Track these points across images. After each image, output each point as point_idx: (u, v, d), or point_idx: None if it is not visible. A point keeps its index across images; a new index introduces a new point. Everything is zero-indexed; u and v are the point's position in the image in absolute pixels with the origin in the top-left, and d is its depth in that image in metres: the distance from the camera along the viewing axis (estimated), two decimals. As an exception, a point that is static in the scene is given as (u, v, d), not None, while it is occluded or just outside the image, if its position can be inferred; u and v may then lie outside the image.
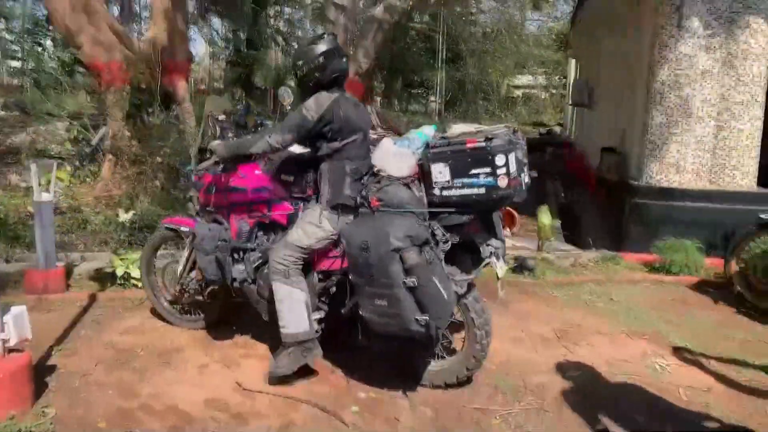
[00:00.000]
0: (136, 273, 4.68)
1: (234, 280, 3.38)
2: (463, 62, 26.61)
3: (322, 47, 3.04)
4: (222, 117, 3.42)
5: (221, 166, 3.30)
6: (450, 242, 2.86)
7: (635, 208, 6.48)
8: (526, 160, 2.83)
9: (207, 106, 3.51)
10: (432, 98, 28.85)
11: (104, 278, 4.85)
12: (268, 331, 3.78)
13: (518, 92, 30.28)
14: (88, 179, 7.19)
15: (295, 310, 3.05)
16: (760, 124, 6.23)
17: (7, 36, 16.65)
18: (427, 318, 2.65)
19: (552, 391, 3.20)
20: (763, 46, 6.08)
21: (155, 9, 7.57)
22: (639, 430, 2.80)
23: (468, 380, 3.19)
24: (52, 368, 3.33)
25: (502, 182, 2.69)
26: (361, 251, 2.66)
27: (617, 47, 9.21)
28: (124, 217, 5.70)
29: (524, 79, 30.05)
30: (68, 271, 4.80)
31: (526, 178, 2.84)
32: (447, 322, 2.84)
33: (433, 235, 2.78)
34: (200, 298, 3.76)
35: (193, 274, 3.69)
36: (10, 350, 2.89)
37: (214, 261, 3.25)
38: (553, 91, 29.86)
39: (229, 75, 21.16)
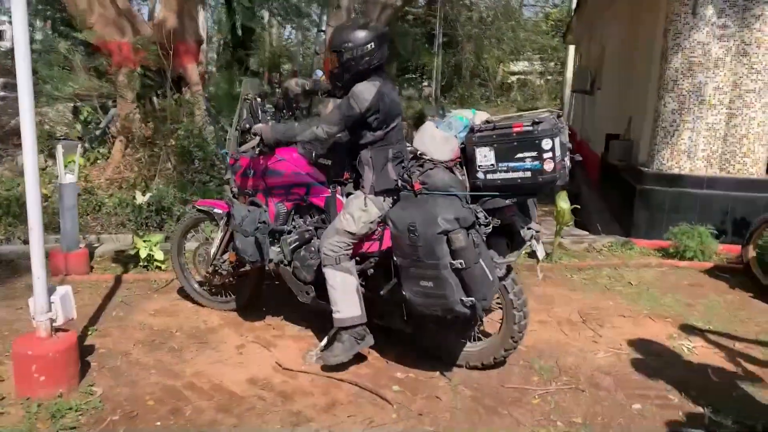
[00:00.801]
0: (159, 255, 4.72)
1: (270, 261, 3.41)
2: (459, 47, 26.56)
3: (372, 32, 3.04)
4: (258, 99, 3.42)
5: (259, 149, 3.32)
6: (491, 225, 2.91)
7: (645, 195, 6.55)
8: (569, 145, 2.87)
9: (243, 88, 3.51)
10: (426, 83, 28.80)
11: (126, 260, 4.87)
12: (299, 312, 3.85)
13: (514, 78, 30.26)
14: (98, 161, 7.16)
15: (349, 295, 3.10)
16: (772, 111, 6.30)
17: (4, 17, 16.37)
18: (473, 299, 2.70)
19: (585, 372, 3.27)
20: (776, 34, 6.13)
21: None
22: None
23: (503, 361, 3.25)
24: (91, 348, 3.36)
25: (548, 166, 2.73)
26: (409, 233, 2.70)
27: (626, 34, 9.23)
28: (142, 199, 5.71)
29: (520, 65, 30.02)
30: (90, 253, 4.82)
31: (568, 163, 2.89)
32: (491, 303, 2.90)
33: (476, 218, 2.82)
34: (232, 279, 3.81)
35: (226, 255, 3.72)
36: (57, 329, 2.92)
37: (254, 242, 3.28)
38: (549, 78, 29.84)
39: (224, 58, 21.00)
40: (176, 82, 7.30)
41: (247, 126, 3.44)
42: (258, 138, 3.21)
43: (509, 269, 3.08)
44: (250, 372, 3.16)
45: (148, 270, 4.73)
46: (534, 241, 3.00)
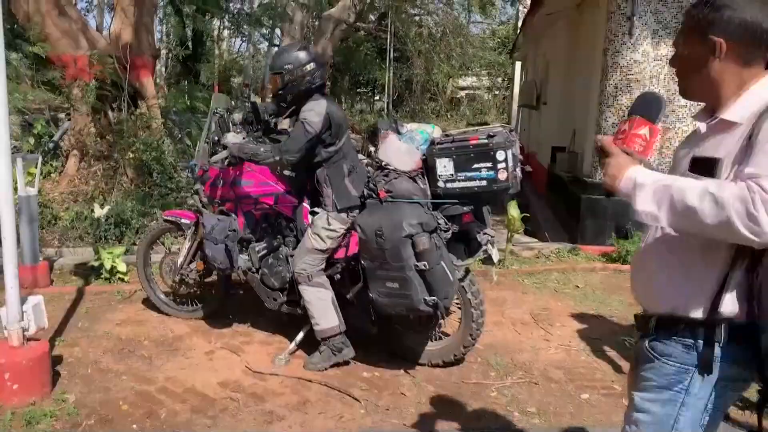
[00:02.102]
0: (122, 267, 4.75)
1: (239, 268, 3.54)
2: (409, 63, 27.07)
3: (311, 54, 3.25)
4: (226, 114, 3.56)
5: (227, 160, 3.45)
6: (451, 230, 3.12)
7: (589, 204, 6.93)
8: (520, 156, 3.12)
9: (213, 103, 3.65)
10: (378, 98, 29.21)
11: (87, 273, 4.88)
12: (266, 319, 3.97)
13: (463, 93, 31.00)
14: (51, 174, 7.08)
15: (325, 308, 3.27)
16: (701, 125, 6.78)
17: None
18: (435, 298, 2.90)
19: (538, 367, 3.51)
20: (704, 54, 6.63)
21: (119, 2, 7.52)
22: None
23: (462, 358, 3.46)
24: (59, 358, 3.40)
25: (502, 175, 2.97)
26: (376, 237, 2.89)
27: (569, 51, 9.74)
28: (100, 212, 5.71)
29: (468, 81, 30.77)
30: (49, 266, 4.81)
31: (519, 173, 3.14)
32: (451, 302, 3.11)
33: (437, 223, 3.03)
34: (199, 288, 3.91)
35: (194, 265, 3.82)
36: (29, 339, 2.96)
37: (224, 250, 3.40)
38: (497, 93, 30.68)
39: (173, 71, 20.83)
40: (132, 95, 7.30)
41: (216, 138, 3.57)
42: (228, 150, 3.35)
43: (467, 271, 3.31)
44: (221, 376, 3.27)
45: (110, 282, 4.75)
46: (489, 246, 3.23)
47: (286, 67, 3.22)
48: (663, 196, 1.28)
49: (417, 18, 26.55)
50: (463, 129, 3.17)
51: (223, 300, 4.01)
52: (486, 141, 2.96)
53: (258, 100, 3.82)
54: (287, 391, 3.14)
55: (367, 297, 3.11)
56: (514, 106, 21.54)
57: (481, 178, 3.00)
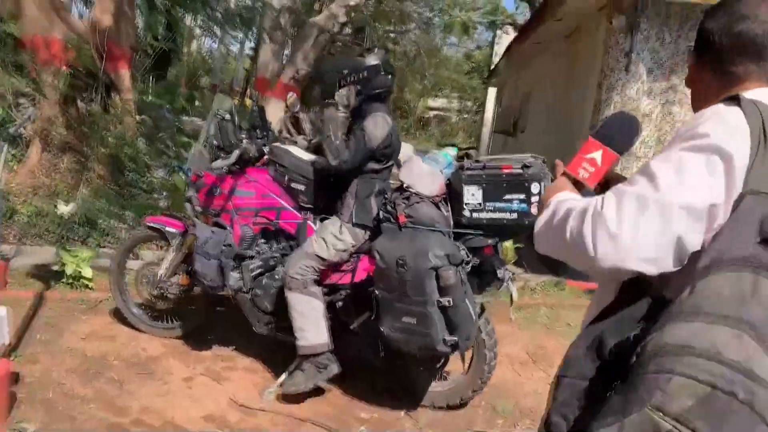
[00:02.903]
0: (88, 272, 4.33)
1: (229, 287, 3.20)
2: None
3: (369, 60, 3.01)
4: (228, 116, 3.24)
5: (227, 167, 3.13)
6: (471, 263, 2.88)
7: (574, 237, 6.81)
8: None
9: (214, 104, 3.32)
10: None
11: (47, 276, 4.43)
12: (250, 342, 3.63)
13: (432, 113, 31.13)
14: (10, 163, 6.53)
15: (315, 321, 2.95)
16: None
17: None
18: (456, 339, 2.65)
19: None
20: (697, 97, 6.64)
21: (101, -12, 7.07)
22: None
23: (467, 403, 3.20)
24: (15, 376, 2.98)
25: (534, 210, 2.74)
26: (398, 267, 2.62)
27: (555, 82, 9.72)
28: (64, 209, 5.25)
29: (439, 102, 30.95)
30: (5, 266, 4.34)
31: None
32: (472, 344, 2.85)
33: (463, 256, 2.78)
34: (179, 304, 3.55)
35: (176, 278, 3.46)
36: (-14, 356, 2.56)
37: (217, 266, 3.06)
38: (465, 116, 30.89)
39: (140, 64, 20.12)
40: (106, 87, 6.84)
41: (215, 143, 3.25)
42: (237, 153, 3.04)
43: (482, 309, 3.06)
44: (203, 408, 2.92)
45: (73, 288, 4.31)
46: (510, 283, 2.99)
47: (343, 72, 3.02)
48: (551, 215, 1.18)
49: (392, 35, 26.58)
50: (494, 156, 2.94)
51: (204, 318, 3.64)
52: (521, 171, 2.73)
53: (293, 96, 3.55)
54: (278, 431, 2.81)
55: (376, 330, 2.82)
56: (485, 131, 21.67)
57: (512, 211, 2.76)
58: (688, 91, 4.97)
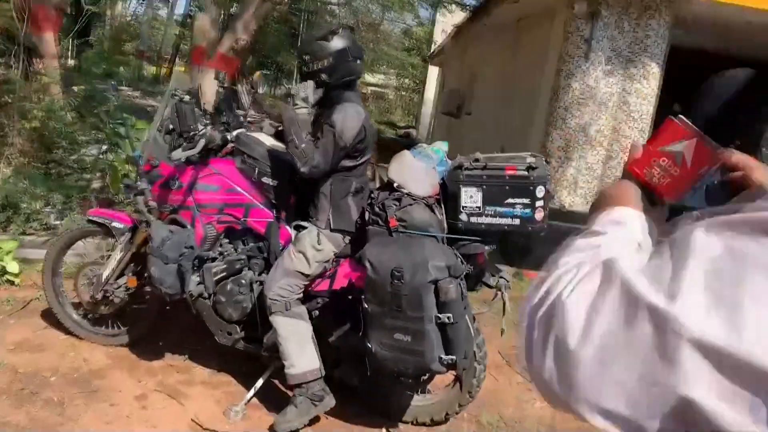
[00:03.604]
0: (13, 267, 3.82)
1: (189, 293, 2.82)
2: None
3: (333, 45, 2.63)
4: (187, 98, 2.82)
5: (187, 157, 2.73)
6: (465, 272, 2.62)
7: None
8: (553, 192, 2.68)
9: (171, 83, 2.89)
10: (287, 83, 28.13)
11: (-38, 271, 3.87)
12: (206, 349, 3.27)
13: (369, 89, 30.69)
14: None
15: (303, 346, 2.63)
16: (642, 158, 6.80)
17: None
18: (453, 357, 2.39)
19: (530, 428, 3.11)
20: (653, 87, 6.64)
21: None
22: None
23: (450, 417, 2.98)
24: (-70, 401, 2.52)
25: (539, 215, 2.52)
26: (393, 279, 2.32)
27: (505, 66, 9.58)
28: (-20, 191, 4.63)
29: (377, 78, 30.54)
30: None
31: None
32: (470, 362, 2.61)
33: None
34: (126, 308, 3.13)
35: (123, 280, 3.04)
36: None
37: (176, 271, 2.67)
38: (403, 94, 30.67)
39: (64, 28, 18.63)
40: (27, 51, 6.10)
41: (172, 127, 2.83)
42: (203, 142, 2.63)
43: (473, 318, 2.83)
44: (164, 434, 2.56)
45: (-6, 285, 3.79)
46: (504, 292, 2.77)
47: (304, 57, 2.65)
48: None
49: (330, 7, 25.90)
50: (492, 155, 2.67)
51: (154, 324, 3.24)
52: (526, 173, 2.49)
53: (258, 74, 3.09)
54: (252, 460, 2.49)
55: (363, 346, 2.53)
56: (424, 110, 21.53)
57: (515, 216, 2.52)
58: (644, 81, 4.88)
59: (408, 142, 18.41)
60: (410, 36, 27.52)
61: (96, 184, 5.39)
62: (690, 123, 0.76)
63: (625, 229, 0.71)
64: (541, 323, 0.62)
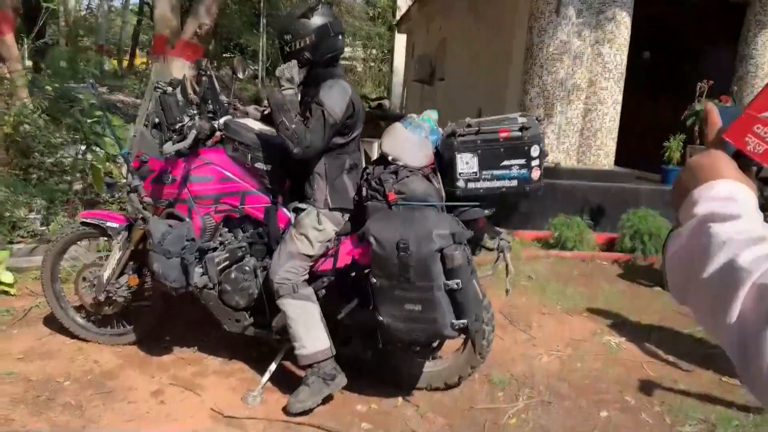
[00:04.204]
0: (7, 277, 3.78)
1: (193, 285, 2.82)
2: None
3: (314, 22, 2.60)
4: (170, 89, 2.78)
5: (177, 149, 2.69)
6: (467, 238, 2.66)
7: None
8: (546, 150, 2.71)
9: (152, 76, 2.84)
10: (252, 65, 27.69)
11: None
12: (214, 339, 3.29)
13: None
14: None
15: (313, 326, 2.65)
16: (620, 108, 6.86)
17: None
18: (465, 321, 2.44)
19: (541, 381, 3.19)
20: (626, 36, 6.66)
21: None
22: None
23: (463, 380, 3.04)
24: (-53, 418, 2.51)
25: (535, 174, 2.55)
26: (399, 252, 2.35)
27: (474, 28, 9.53)
28: (-39, 204, 4.53)
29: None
30: None
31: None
32: (481, 324, 2.66)
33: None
34: (129, 306, 3.13)
35: (124, 279, 3.03)
36: None
37: (179, 265, 2.67)
38: (372, 65, 30.34)
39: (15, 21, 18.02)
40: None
41: (157, 120, 2.79)
42: (193, 133, 2.60)
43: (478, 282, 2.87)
44: (186, 426, 2.58)
45: (-10, 296, 3.74)
46: (506, 254, 2.81)
47: (285, 37, 2.61)
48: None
49: (291, -18, 25.43)
50: (485, 118, 2.69)
51: (159, 319, 3.24)
52: (519, 134, 2.51)
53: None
54: (277, 441, 2.53)
55: (372, 320, 2.56)
56: (395, 80, 21.37)
57: (512, 178, 2.55)
58: (616, 31, 4.94)
59: (383, 113, 18.28)
60: (373, 4, 27.16)
61: (77, 186, 5.30)
62: None
63: (747, 207, 0.68)
64: (736, 291, 0.61)
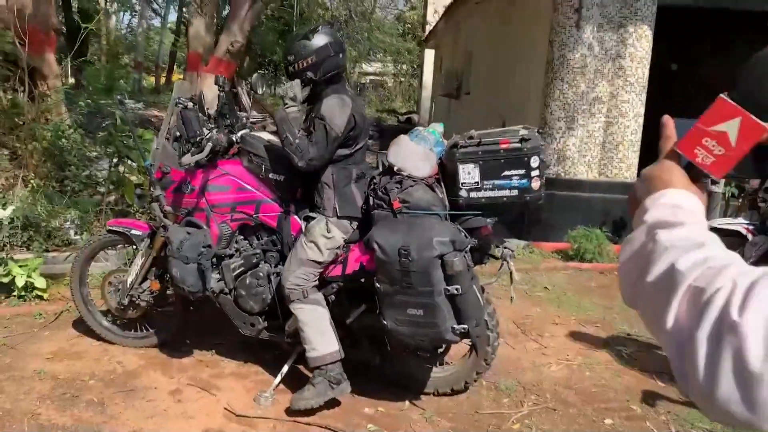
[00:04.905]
0: (41, 282, 3.98)
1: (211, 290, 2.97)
2: (314, 46, 26.23)
3: (315, 43, 2.78)
4: (191, 105, 2.95)
5: (196, 161, 2.86)
6: (470, 245, 2.74)
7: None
8: (547, 162, 2.79)
9: (174, 92, 3.02)
10: (286, 81, 28.19)
11: (-8, 289, 4.04)
12: (232, 344, 3.43)
13: (367, 79, 30.70)
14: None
15: (322, 330, 2.77)
16: (641, 120, 6.85)
17: None
18: (465, 326, 2.52)
19: (548, 388, 3.23)
20: (647, 50, 6.67)
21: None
22: None
23: (470, 385, 3.11)
24: (-20, 411, 2.68)
25: (535, 184, 2.63)
26: (401, 258, 2.45)
27: (499, 42, 9.62)
28: (2, 213, 4.79)
29: (374, 67, 30.52)
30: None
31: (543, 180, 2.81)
32: (482, 329, 2.74)
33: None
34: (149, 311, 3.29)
35: (147, 284, 3.20)
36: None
37: (196, 270, 2.82)
38: (402, 80, 30.61)
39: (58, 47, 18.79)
40: (30, 74, 6.26)
41: (178, 134, 2.96)
42: (210, 146, 2.77)
43: (482, 290, 2.94)
44: (200, 424, 2.71)
45: (25, 301, 3.95)
46: (510, 262, 2.88)
47: (289, 58, 2.81)
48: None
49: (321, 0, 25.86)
50: (487, 131, 2.79)
51: (180, 323, 3.39)
52: (519, 145, 2.60)
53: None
54: (286, 440, 2.64)
55: (379, 324, 2.66)
56: (424, 94, 21.52)
57: (512, 187, 2.64)
58: (637, 44, 5.00)
59: (412, 127, 18.33)
60: (403, 21, 27.46)
61: (111, 197, 5.55)
62: (733, 102, 0.77)
63: (693, 216, 0.74)
64: (709, 343, 0.60)
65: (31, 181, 5.37)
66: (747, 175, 0.81)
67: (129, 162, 5.36)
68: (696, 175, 0.81)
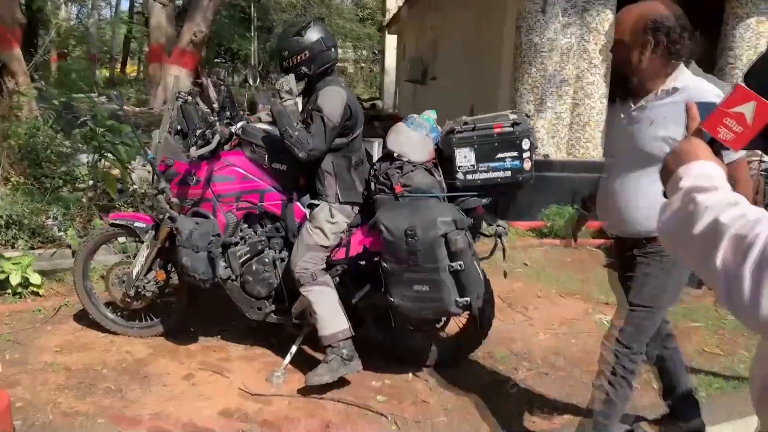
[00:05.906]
0: (36, 278, 4.02)
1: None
2: (273, 33, 26.11)
3: (308, 39, 2.91)
4: (190, 99, 3.04)
5: (201, 153, 2.96)
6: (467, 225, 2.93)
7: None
8: (536, 144, 2.98)
9: (174, 87, 3.09)
10: (243, 69, 27.88)
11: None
12: (235, 328, 3.56)
13: (328, 65, 30.55)
14: None
15: (332, 310, 2.93)
16: (606, 101, 7.14)
17: None
18: (468, 299, 2.71)
19: (538, 355, 3.46)
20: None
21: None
22: None
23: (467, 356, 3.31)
24: (3, 404, 2.75)
25: (527, 165, 2.82)
26: (407, 238, 2.62)
27: (465, 28, 9.80)
28: (-16, 212, 4.76)
29: (334, 53, 30.34)
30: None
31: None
32: (482, 301, 2.93)
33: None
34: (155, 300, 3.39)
35: (152, 275, 3.29)
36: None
37: (206, 259, 2.93)
38: (363, 66, 30.62)
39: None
40: (-1, 71, 6.18)
41: (180, 128, 3.05)
42: (217, 138, 2.87)
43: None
44: (217, 404, 2.84)
45: (21, 298, 3.98)
46: (503, 239, 3.08)
47: (283, 53, 2.92)
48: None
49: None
50: (480, 116, 2.96)
51: (186, 311, 3.49)
52: (512, 129, 2.79)
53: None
54: (301, 414, 2.79)
55: (384, 301, 2.83)
56: (387, 80, 21.62)
57: (506, 169, 2.83)
58: (601, 27, 5.42)
59: (376, 113, 18.50)
60: (363, 6, 27.42)
61: (91, 193, 5.54)
62: (749, 89, 0.95)
63: (722, 181, 0.93)
64: (752, 275, 0.77)
65: (11, 179, 5.33)
66: (759, 149, 1.01)
67: (110, 156, 5.36)
68: (717, 149, 1.01)
